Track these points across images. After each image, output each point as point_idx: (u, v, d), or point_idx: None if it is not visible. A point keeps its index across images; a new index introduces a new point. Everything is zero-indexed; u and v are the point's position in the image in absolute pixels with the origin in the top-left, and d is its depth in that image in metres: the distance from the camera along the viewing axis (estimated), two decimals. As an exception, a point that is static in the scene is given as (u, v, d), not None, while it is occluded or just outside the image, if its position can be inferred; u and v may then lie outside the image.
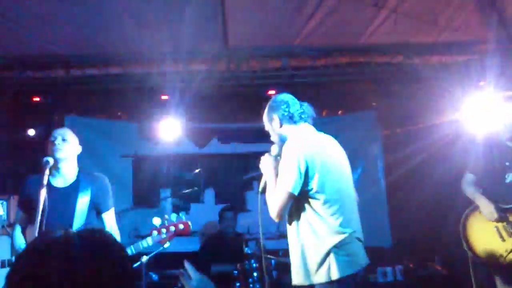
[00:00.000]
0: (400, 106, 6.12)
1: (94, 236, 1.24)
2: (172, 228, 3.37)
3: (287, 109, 2.99)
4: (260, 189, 3.07)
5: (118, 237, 3.36)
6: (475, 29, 5.38)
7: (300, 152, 2.79)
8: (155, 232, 3.35)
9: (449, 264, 6.10)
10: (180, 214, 3.44)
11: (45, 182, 3.16)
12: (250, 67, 5.88)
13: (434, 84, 6.31)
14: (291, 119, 2.98)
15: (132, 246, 3.28)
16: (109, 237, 1.26)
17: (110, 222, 3.51)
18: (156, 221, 3.38)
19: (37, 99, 5.79)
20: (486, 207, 3.83)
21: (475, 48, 5.74)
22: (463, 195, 4.19)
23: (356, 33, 5.46)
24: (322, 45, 5.64)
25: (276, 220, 2.86)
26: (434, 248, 6.32)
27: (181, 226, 3.40)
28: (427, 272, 6.05)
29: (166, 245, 4.77)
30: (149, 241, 3.32)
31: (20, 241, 3.41)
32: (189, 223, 3.46)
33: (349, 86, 6.16)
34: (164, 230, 3.35)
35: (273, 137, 3.08)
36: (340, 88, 6.19)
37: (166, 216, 3.42)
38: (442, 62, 5.85)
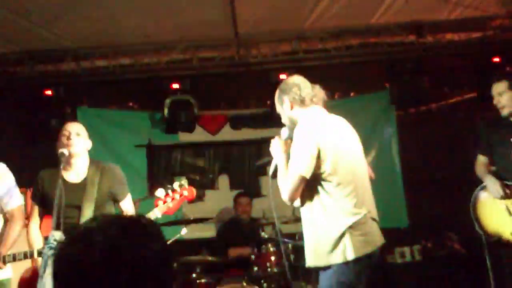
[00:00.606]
0: (413, 85, 6.03)
1: (137, 222, 1.24)
2: (177, 195, 3.36)
3: (298, 92, 2.95)
4: (270, 173, 3.06)
5: None
6: (488, 5, 5.28)
7: (312, 134, 2.77)
8: (160, 203, 3.34)
9: (468, 242, 6.05)
10: (182, 181, 3.42)
11: (61, 175, 3.17)
12: (260, 52, 5.85)
13: (447, 63, 6.23)
14: (302, 102, 2.94)
15: None
16: (151, 224, 1.26)
17: (127, 209, 3.53)
18: (160, 192, 3.37)
19: (49, 92, 5.83)
20: (492, 185, 3.79)
21: (488, 24, 5.64)
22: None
23: (367, 14, 5.39)
24: (332, 27, 5.59)
25: (289, 204, 2.85)
26: (452, 227, 6.27)
27: (185, 192, 3.39)
28: (446, 251, 6.01)
29: (183, 231, 4.82)
30: (156, 212, 3.31)
31: (36, 236, 3.44)
32: (193, 188, 3.44)
33: (361, 68, 6.10)
34: (169, 199, 3.34)
35: (284, 120, 3.05)
36: (352, 70, 6.13)
37: (169, 186, 3.40)
38: (456, 39, 5.75)
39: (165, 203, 3.32)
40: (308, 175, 2.73)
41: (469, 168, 6.01)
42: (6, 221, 3.65)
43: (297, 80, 3.04)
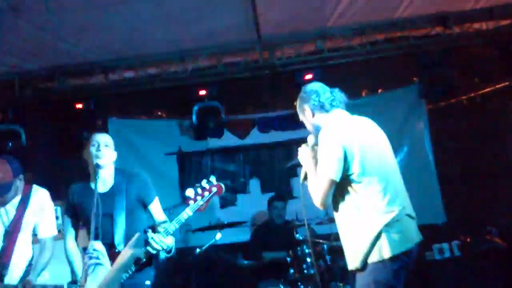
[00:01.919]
0: (442, 78, 5.92)
1: None
2: (206, 193, 3.40)
3: (317, 99, 2.99)
4: (301, 180, 3.08)
5: (173, 220, 3.36)
6: (516, -10, 5.15)
7: (336, 138, 2.79)
8: (191, 202, 3.38)
9: (508, 235, 5.90)
10: (210, 178, 3.45)
11: (96, 187, 3.24)
12: (284, 54, 5.84)
13: (476, 53, 6.09)
14: (322, 108, 2.99)
15: (174, 221, 3.29)
16: None
17: (157, 212, 3.57)
18: (190, 192, 3.41)
19: (79, 106, 5.95)
20: None
21: (517, 10, 5.49)
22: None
23: (391, 8, 5.31)
24: (356, 24, 5.52)
25: (321, 209, 2.86)
26: (490, 220, 6.13)
27: (214, 189, 3.42)
28: (486, 246, 5.87)
29: (218, 236, 4.84)
30: (188, 212, 3.35)
31: (73, 249, 3.50)
32: (221, 184, 3.48)
33: (387, 63, 6.01)
34: (199, 198, 3.38)
35: (308, 127, 3.09)
36: (378, 66, 6.05)
37: (197, 184, 3.44)
38: (483, 28, 5.61)
39: (195, 201, 3.36)
40: (337, 178, 2.75)
41: (505, 159, 5.87)
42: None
43: (315, 86, 3.09)
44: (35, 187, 3.73)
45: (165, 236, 3.24)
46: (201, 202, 3.36)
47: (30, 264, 3.63)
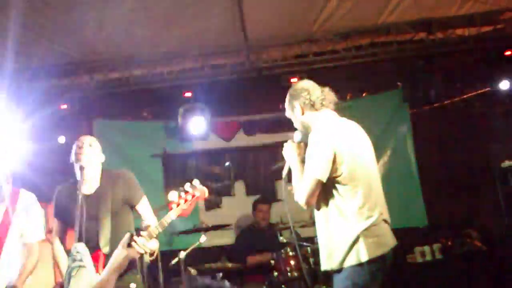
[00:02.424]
0: (426, 83, 6.01)
1: None
2: (189, 196, 3.39)
3: (308, 97, 2.97)
4: (283, 176, 3.07)
5: (156, 223, 3.36)
6: (498, -2, 5.25)
7: (327, 138, 2.79)
8: (174, 206, 3.37)
9: (488, 239, 6.00)
10: (193, 182, 3.45)
11: (80, 188, 3.23)
12: (271, 57, 5.87)
13: (459, 58, 6.19)
14: (312, 106, 2.96)
15: (157, 225, 3.29)
16: None
17: (144, 212, 3.55)
18: (173, 195, 3.40)
19: (64, 106, 5.90)
20: None
21: (499, 17, 5.59)
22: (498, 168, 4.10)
23: (375, 13, 5.38)
24: (341, 28, 5.58)
25: (305, 208, 2.86)
26: (471, 224, 6.22)
27: (197, 193, 3.41)
28: (466, 248, 5.96)
29: (202, 239, 4.84)
30: (171, 216, 3.34)
31: (60, 251, 3.48)
32: (204, 188, 3.47)
33: (372, 67, 6.08)
34: (182, 201, 3.37)
35: (296, 125, 3.07)
36: (363, 70, 6.12)
37: (181, 188, 3.43)
38: (466, 35, 5.71)
39: (178, 205, 3.34)
40: (324, 179, 2.75)
41: (486, 163, 5.97)
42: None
43: (306, 84, 3.06)
44: (22, 191, 3.70)
45: (148, 239, 3.23)
46: (184, 206, 3.35)
47: (17, 269, 3.58)
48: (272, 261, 5.07)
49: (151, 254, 3.35)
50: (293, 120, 3.08)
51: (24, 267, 3.56)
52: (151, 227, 3.30)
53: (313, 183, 2.76)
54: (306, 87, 3.03)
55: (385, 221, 2.85)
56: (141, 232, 3.32)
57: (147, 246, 3.22)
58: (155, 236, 3.26)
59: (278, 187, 6.76)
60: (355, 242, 2.72)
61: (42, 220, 3.73)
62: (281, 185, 6.72)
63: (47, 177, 5.17)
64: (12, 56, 5.21)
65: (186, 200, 3.36)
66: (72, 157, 3.38)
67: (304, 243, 4.99)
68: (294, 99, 3.02)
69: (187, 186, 3.39)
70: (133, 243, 3.18)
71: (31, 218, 3.66)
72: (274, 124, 6.68)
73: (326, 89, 3.05)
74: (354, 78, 6.32)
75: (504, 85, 5.97)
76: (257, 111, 6.92)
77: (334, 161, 2.75)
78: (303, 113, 2.99)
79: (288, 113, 3.10)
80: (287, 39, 5.72)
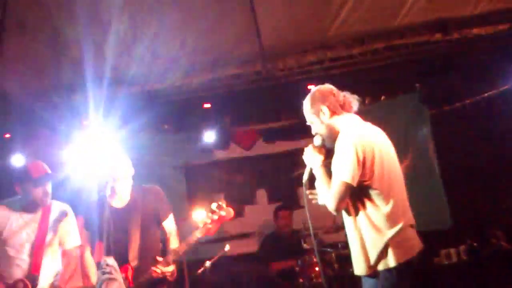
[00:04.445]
0: (444, 83, 5.97)
1: None
2: (215, 217, 3.46)
3: (335, 99, 2.94)
4: (304, 181, 3.05)
5: (178, 242, 3.47)
6: (512, -5, 5.21)
7: (358, 142, 2.75)
8: (200, 225, 3.45)
9: (515, 238, 5.92)
10: (220, 202, 3.51)
11: (110, 202, 3.31)
12: (286, 64, 5.90)
13: (477, 57, 6.14)
14: (342, 107, 2.93)
15: (183, 243, 3.37)
16: None
17: (170, 229, 3.62)
18: (200, 214, 3.49)
19: (86, 122, 6.00)
20: None
21: (515, 14, 5.55)
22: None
23: (390, 16, 5.38)
24: (356, 33, 5.59)
25: (335, 213, 2.82)
26: (497, 224, 6.14)
27: (222, 213, 3.48)
28: (492, 249, 5.88)
29: (227, 248, 4.89)
30: (197, 235, 3.42)
31: (90, 262, 3.57)
32: (230, 208, 3.54)
33: (389, 70, 6.06)
34: (208, 221, 3.44)
35: (318, 129, 3.00)
36: (380, 74, 6.10)
37: (209, 208, 3.51)
38: (483, 33, 5.67)
39: (204, 225, 3.42)
40: (354, 182, 2.72)
41: (509, 162, 5.87)
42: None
43: (330, 87, 3.03)
44: (55, 202, 3.81)
45: (166, 266, 3.35)
46: (209, 226, 3.44)
47: (57, 275, 3.71)
48: (297, 268, 5.08)
49: (171, 275, 3.49)
50: (316, 124, 3.01)
51: (65, 272, 3.69)
52: (170, 254, 3.41)
53: (343, 187, 2.73)
54: (330, 89, 3.00)
55: (411, 226, 2.85)
56: (158, 259, 3.43)
57: (165, 271, 3.38)
58: (171, 263, 3.38)
59: (300, 194, 6.77)
60: (384, 248, 2.73)
61: (77, 228, 3.83)
62: (303, 191, 6.76)
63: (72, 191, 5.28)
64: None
65: (212, 221, 3.43)
66: (104, 171, 3.46)
67: (328, 249, 4.99)
68: (320, 102, 2.95)
69: (213, 205, 3.46)
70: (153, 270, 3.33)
71: (68, 225, 3.76)
72: (293, 131, 6.70)
73: (347, 93, 3.03)
74: (371, 82, 6.30)
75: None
76: (276, 119, 6.96)
77: (363, 165, 2.73)
78: (331, 116, 2.94)
79: (311, 118, 3.02)
80: (302, 46, 5.75)
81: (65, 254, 3.79)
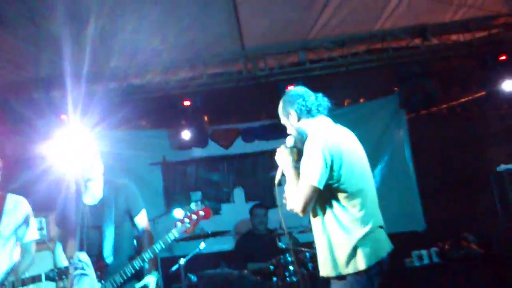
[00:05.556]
0: (422, 88, 6.06)
1: None
2: (194, 217, 3.49)
3: (303, 103, 2.96)
4: (276, 182, 3.05)
5: (151, 238, 3.47)
6: (490, 4, 5.31)
7: (325, 145, 2.77)
8: (179, 224, 3.46)
9: (485, 242, 6.04)
10: (199, 202, 3.53)
11: (82, 199, 3.28)
12: (267, 65, 5.92)
13: (455, 63, 6.25)
14: (308, 112, 2.96)
15: (160, 241, 3.38)
16: None
17: (142, 224, 3.63)
18: (178, 213, 3.49)
19: (64, 117, 5.92)
20: None
21: (493, 22, 5.66)
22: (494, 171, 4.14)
23: (371, 20, 5.44)
24: (337, 36, 5.64)
25: (301, 215, 2.83)
26: (468, 227, 6.26)
27: (201, 213, 3.51)
28: (463, 252, 6.00)
29: (202, 245, 4.89)
30: (174, 233, 3.44)
31: (62, 258, 3.55)
32: (210, 208, 3.57)
33: (368, 74, 6.13)
34: (187, 220, 3.48)
35: (291, 131, 3.04)
36: (359, 77, 6.16)
37: (187, 207, 3.52)
38: (461, 40, 5.77)
39: (182, 223, 3.43)
40: (321, 185, 2.73)
41: (482, 167, 6.00)
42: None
43: (301, 91, 3.05)
44: (9, 195, 3.70)
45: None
46: (188, 225, 3.45)
47: (12, 268, 3.62)
48: (272, 267, 5.10)
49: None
50: (287, 126, 3.05)
51: (20, 265, 3.59)
52: (143, 252, 3.42)
53: (310, 190, 2.74)
54: (301, 93, 3.01)
55: (381, 227, 2.86)
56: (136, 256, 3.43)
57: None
58: (147, 260, 3.38)
59: (277, 193, 6.79)
60: (352, 251, 2.73)
61: (35, 222, 3.73)
62: (280, 191, 6.78)
63: (49, 186, 5.22)
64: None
65: (191, 220, 3.45)
66: (77, 169, 3.43)
67: (303, 248, 5.03)
68: (289, 105, 2.99)
69: (192, 205, 3.47)
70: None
71: (23, 216, 3.65)
72: (272, 131, 6.72)
73: (320, 95, 3.04)
74: (351, 85, 6.37)
75: (500, 88, 6.01)
76: (255, 119, 6.98)
77: (331, 168, 2.74)
78: (299, 120, 2.97)
79: (283, 120, 3.07)
80: (283, 47, 5.78)
81: (21, 247, 3.67)
